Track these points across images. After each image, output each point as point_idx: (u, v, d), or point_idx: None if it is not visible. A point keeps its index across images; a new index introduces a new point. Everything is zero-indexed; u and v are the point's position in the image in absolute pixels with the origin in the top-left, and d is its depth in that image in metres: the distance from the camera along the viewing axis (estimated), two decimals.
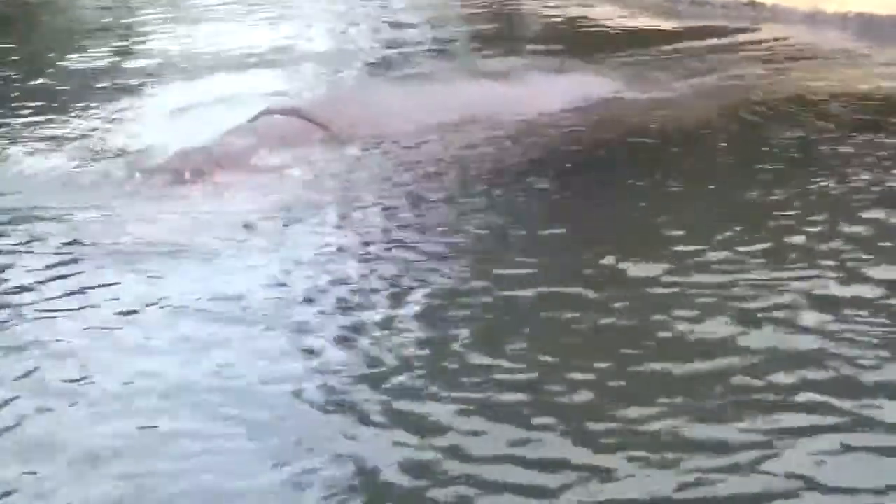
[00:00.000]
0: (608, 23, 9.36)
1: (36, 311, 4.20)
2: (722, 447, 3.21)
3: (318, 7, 10.51)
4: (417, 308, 4.13)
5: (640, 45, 8.21)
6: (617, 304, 4.09)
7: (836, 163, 5.54)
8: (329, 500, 3.06)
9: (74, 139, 6.35)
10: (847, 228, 4.71)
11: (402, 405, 3.50)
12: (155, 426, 3.41)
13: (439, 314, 4.10)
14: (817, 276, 4.27)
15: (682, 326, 3.90)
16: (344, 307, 4.15)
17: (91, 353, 3.87)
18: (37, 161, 5.90)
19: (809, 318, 3.94)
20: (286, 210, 5.03)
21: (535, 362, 3.71)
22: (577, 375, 3.61)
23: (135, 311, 4.14)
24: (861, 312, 3.96)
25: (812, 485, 3.05)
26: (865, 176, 5.34)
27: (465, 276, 4.39)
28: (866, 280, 4.23)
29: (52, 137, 6.38)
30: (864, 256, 4.43)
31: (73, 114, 6.94)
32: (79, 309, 4.20)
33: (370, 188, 5.29)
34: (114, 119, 6.84)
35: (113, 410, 3.50)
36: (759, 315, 3.96)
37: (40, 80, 7.96)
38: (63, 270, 4.51)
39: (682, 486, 3.06)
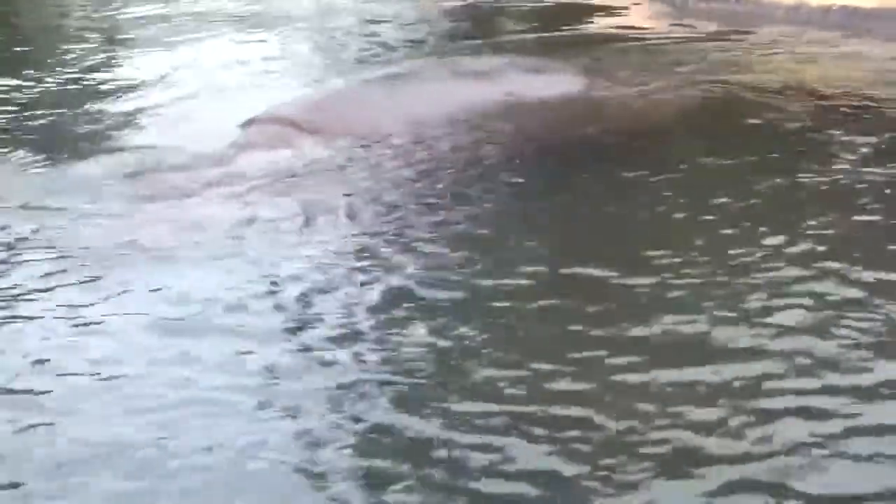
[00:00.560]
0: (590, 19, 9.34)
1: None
2: (721, 457, 3.20)
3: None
4: (401, 311, 4.13)
5: (614, 39, 8.23)
6: (613, 305, 4.12)
7: (811, 156, 5.55)
8: None
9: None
10: (827, 221, 4.74)
11: (382, 413, 3.49)
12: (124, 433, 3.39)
13: (425, 320, 4.07)
14: (811, 276, 4.27)
15: (678, 329, 3.91)
16: (320, 313, 4.13)
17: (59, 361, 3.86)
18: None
19: (802, 316, 3.96)
20: (281, 215, 5.01)
21: (521, 368, 3.70)
22: (565, 382, 3.60)
23: (98, 323, 4.11)
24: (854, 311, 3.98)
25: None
26: (841, 168, 5.35)
27: (452, 280, 4.37)
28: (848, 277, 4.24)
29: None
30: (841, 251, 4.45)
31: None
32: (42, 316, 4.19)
33: (362, 191, 5.28)
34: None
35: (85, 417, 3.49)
36: (756, 317, 3.96)
37: None
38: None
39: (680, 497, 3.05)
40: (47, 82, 7.87)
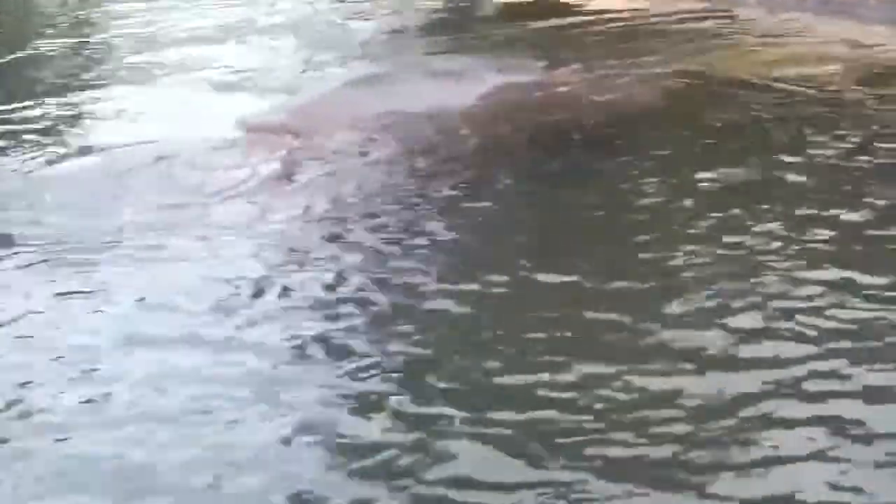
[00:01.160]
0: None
1: None
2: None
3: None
4: (375, 317, 4.15)
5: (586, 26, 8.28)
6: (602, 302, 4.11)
7: (782, 141, 5.61)
8: None
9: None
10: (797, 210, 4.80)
11: (355, 420, 3.51)
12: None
13: (403, 325, 4.09)
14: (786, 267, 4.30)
15: (667, 333, 3.88)
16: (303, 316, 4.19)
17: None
18: None
19: (782, 308, 3.99)
20: (274, 221, 5.08)
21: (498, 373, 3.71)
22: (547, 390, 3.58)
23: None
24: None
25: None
26: (813, 153, 5.41)
27: (429, 281, 4.41)
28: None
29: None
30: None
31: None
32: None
33: (350, 195, 5.33)
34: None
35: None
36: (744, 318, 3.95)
37: None
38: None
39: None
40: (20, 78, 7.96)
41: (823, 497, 3.05)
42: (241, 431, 3.45)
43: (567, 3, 9.16)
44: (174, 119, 6.69)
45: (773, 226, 4.66)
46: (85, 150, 6.21)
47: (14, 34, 10.25)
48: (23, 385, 3.78)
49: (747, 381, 3.56)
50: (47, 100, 7.31)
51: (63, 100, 7.34)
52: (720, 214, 4.82)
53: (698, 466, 3.18)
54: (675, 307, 4.04)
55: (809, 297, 4.07)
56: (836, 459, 3.18)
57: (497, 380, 3.68)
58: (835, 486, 3.07)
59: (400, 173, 5.55)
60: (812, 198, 4.96)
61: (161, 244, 4.82)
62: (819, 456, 3.20)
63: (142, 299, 4.33)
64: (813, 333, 3.83)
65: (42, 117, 6.93)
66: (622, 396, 3.54)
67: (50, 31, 10.05)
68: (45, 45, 9.20)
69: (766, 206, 4.86)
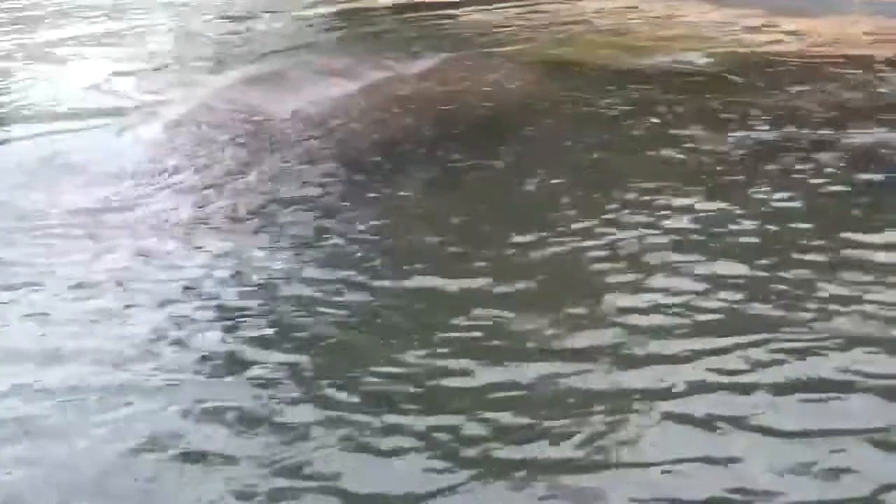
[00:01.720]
0: None
1: None
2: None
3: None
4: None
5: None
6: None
7: (674, 127, 5.74)
8: None
9: None
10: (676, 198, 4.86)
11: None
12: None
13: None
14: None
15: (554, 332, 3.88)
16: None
17: None
18: None
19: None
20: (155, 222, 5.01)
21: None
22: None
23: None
24: None
25: None
26: (703, 136, 5.54)
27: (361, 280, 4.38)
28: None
29: None
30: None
31: None
32: None
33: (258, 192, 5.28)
34: None
35: None
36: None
37: None
38: None
39: None
40: None
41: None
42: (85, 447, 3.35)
43: None
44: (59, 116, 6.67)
45: (641, 217, 4.71)
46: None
47: None
48: None
49: (637, 378, 3.58)
50: None
51: None
52: (602, 205, 4.86)
53: (585, 466, 3.19)
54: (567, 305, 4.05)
55: (692, 291, 4.10)
56: (732, 459, 3.19)
57: (372, 386, 3.63)
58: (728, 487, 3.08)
59: (277, 172, 5.50)
60: (681, 187, 5.02)
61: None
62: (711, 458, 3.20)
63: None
64: (689, 326, 3.88)
65: None
66: (501, 395, 3.53)
67: None
68: None
69: (632, 197, 4.93)
